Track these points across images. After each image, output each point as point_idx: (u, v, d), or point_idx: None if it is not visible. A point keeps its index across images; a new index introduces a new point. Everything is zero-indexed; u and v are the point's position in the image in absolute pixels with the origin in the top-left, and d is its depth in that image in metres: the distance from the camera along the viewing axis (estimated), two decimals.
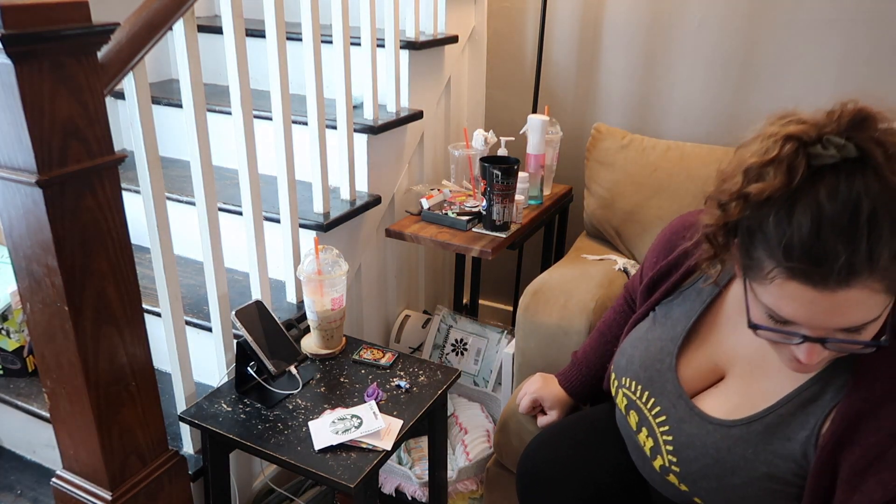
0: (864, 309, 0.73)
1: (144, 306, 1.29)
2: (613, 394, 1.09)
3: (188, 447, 1.50)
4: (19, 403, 1.57)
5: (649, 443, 0.99)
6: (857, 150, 0.73)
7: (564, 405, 1.34)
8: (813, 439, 0.84)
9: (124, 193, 1.17)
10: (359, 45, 1.79)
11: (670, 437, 0.95)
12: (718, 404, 0.93)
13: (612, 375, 1.09)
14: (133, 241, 1.20)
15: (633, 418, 1.02)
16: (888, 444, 0.78)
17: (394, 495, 1.75)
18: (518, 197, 1.82)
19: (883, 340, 0.76)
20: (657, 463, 0.99)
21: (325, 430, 1.27)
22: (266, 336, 1.39)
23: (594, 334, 1.35)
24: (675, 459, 0.94)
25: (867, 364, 0.81)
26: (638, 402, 1.00)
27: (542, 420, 1.36)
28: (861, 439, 0.79)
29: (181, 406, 1.45)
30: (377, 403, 1.35)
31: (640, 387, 1.01)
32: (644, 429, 1.00)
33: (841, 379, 0.83)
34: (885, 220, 0.70)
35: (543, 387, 1.36)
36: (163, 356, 1.47)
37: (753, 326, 0.81)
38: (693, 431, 0.93)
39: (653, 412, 0.98)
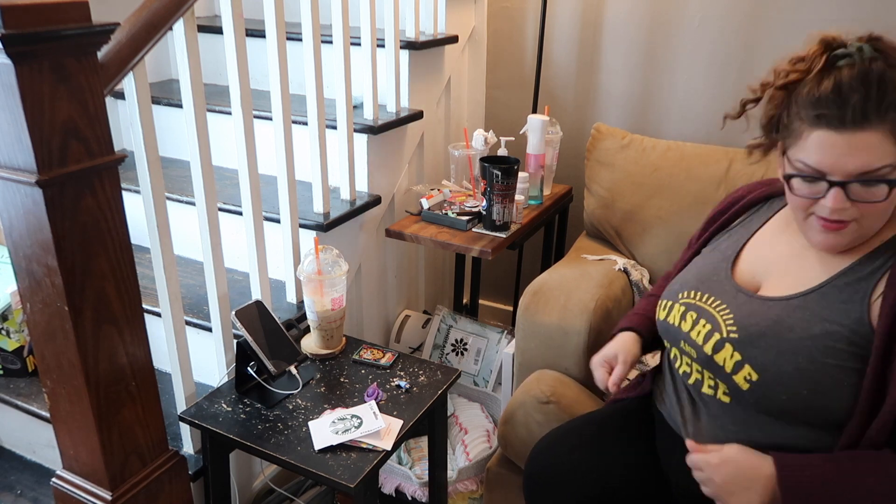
0: (878, 153, 0.88)
1: (144, 306, 1.29)
2: (664, 315, 1.14)
3: (188, 447, 1.50)
4: (19, 403, 1.57)
5: (706, 328, 1.05)
6: (872, 49, 0.92)
7: (631, 352, 1.26)
8: (866, 306, 0.94)
9: (124, 193, 1.17)
10: (359, 45, 1.79)
11: (731, 316, 1.04)
12: (776, 290, 1.04)
13: (664, 302, 1.16)
14: (133, 241, 1.20)
15: (689, 318, 1.09)
16: None
17: (394, 495, 1.75)
18: (518, 197, 1.82)
19: (893, 181, 0.89)
20: (711, 342, 1.04)
21: (325, 430, 1.27)
22: (266, 336, 1.39)
23: (644, 300, 1.38)
24: (734, 328, 1.02)
25: None
26: (699, 302, 1.09)
27: (612, 378, 1.24)
28: None
29: (181, 406, 1.45)
30: (377, 403, 1.35)
31: (699, 292, 1.11)
32: (702, 319, 1.07)
33: (881, 259, 0.96)
34: (893, 88, 0.88)
35: (614, 345, 1.29)
36: (163, 356, 1.47)
37: (788, 176, 0.97)
38: (754, 308, 1.03)
39: (713, 305, 1.08)
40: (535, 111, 2.24)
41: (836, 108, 0.90)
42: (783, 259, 1.07)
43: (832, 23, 1.89)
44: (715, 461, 0.97)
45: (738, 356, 1.00)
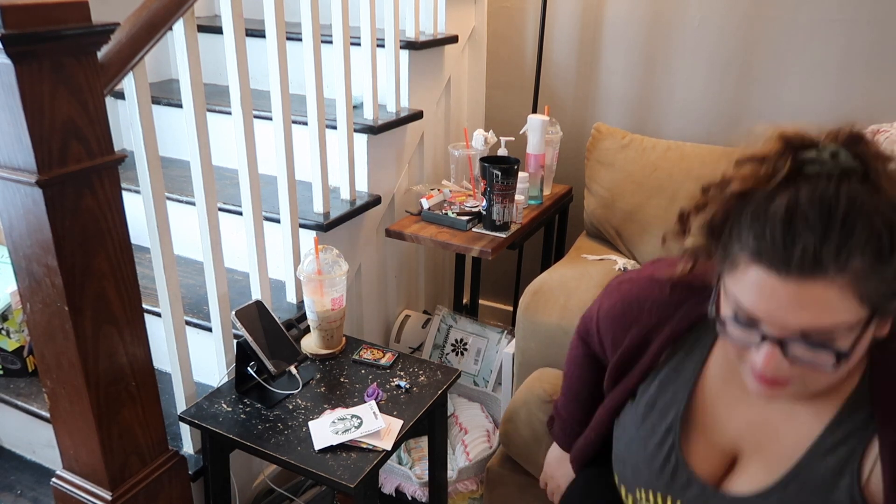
0: (829, 311, 0.67)
1: (144, 306, 1.29)
2: (630, 502, 0.99)
3: (188, 447, 1.50)
4: (19, 403, 1.57)
5: None
6: (853, 157, 0.69)
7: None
8: (856, 484, 0.77)
9: (124, 193, 1.17)
10: (359, 45, 1.79)
11: None
12: (748, 482, 0.85)
13: (622, 487, 0.99)
14: (133, 241, 1.20)
15: None
16: None
17: (394, 495, 1.75)
18: (518, 197, 1.82)
19: (843, 353, 0.69)
20: None
21: (325, 430, 1.27)
22: (266, 336, 1.39)
23: (570, 397, 1.19)
24: None
25: (886, 393, 0.76)
26: None
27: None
28: None
29: (181, 406, 1.45)
30: (377, 403, 1.35)
31: (659, 494, 0.91)
32: None
33: (859, 415, 0.78)
34: (864, 226, 0.66)
35: (561, 478, 1.24)
36: (163, 356, 1.47)
37: (719, 319, 0.77)
38: None
39: None
40: (535, 111, 2.24)
41: (781, 245, 0.67)
42: (752, 427, 0.86)
43: (832, 23, 1.90)
44: None
45: None
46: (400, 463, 1.80)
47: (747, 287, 0.71)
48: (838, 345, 0.69)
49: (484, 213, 1.79)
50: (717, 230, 0.76)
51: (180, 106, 1.37)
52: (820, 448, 0.79)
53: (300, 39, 1.60)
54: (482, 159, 1.79)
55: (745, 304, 0.72)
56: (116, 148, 1.13)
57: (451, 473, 1.72)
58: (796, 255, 0.67)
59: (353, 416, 1.30)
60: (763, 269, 0.69)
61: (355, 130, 1.81)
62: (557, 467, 1.26)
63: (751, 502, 0.83)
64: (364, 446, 1.24)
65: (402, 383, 1.42)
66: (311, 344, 1.54)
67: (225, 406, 1.37)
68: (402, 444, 1.85)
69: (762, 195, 0.71)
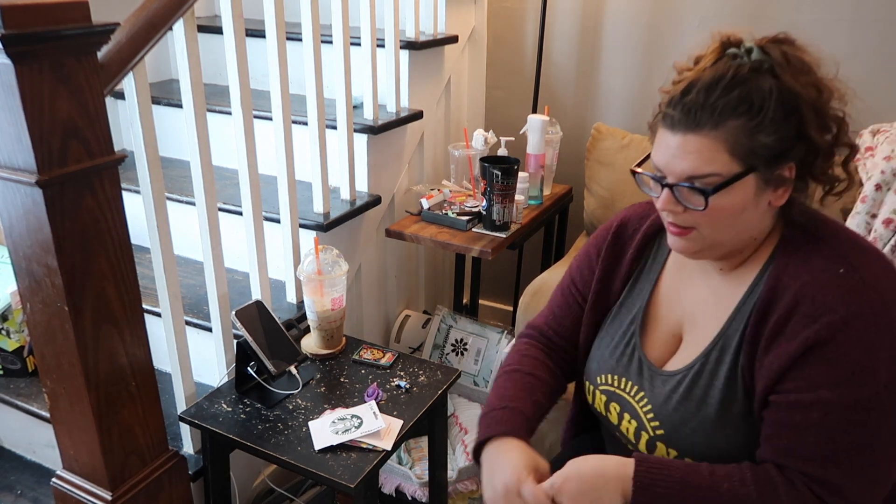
0: (702, 159, 0.84)
1: (144, 306, 1.29)
2: (591, 400, 1.08)
3: (188, 447, 1.50)
4: (19, 403, 1.57)
5: (633, 425, 1.00)
6: (760, 52, 0.84)
7: (529, 465, 0.99)
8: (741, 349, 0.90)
9: (124, 193, 1.17)
10: (359, 45, 1.79)
11: (649, 406, 0.97)
12: (683, 359, 0.97)
13: (587, 384, 1.08)
14: (133, 241, 1.20)
15: (613, 411, 1.03)
16: (786, 318, 0.85)
17: (394, 495, 1.75)
18: (518, 197, 1.82)
19: (706, 188, 0.84)
20: (643, 441, 0.98)
21: (325, 430, 1.27)
22: (266, 336, 1.39)
23: (508, 378, 1.12)
24: (657, 423, 0.96)
25: (779, 267, 0.89)
26: (618, 391, 1.02)
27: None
28: (768, 322, 0.87)
29: (181, 406, 1.45)
30: (377, 403, 1.35)
31: (615, 377, 1.03)
32: (626, 414, 1.01)
33: (754, 295, 0.91)
34: (741, 93, 0.82)
35: (506, 476, 0.96)
36: (163, 356, 1.47)
37: (632, 172, 0.95)
38: (664, 389, 0.96)
39: (631, 393, 1.01)
40: (535, 111, 2.24)
41: (675, 108, 0.85)
42: (692, 307, 0.99)
43: (832, 22, 1.90)
44: (558, 482, 0.89)
45: (674, 452, 0.95)
46: (400, 463, 1.80)
47: (656, 146, 0.90)
48: (706, 186, 0.85)
49: (484, 213, 1.79)
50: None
51: (180, 106, 1.37)
52: (736, 317, 0.92)
53: (300, 39, 1.60)
54: (482, 159, 1.79)
55: (653, 160, 0.91)
56: (116, 148, 1.13)
57: (451, 473, 1.72)
58: (682, 114, 0.85)
59: (353, 416, 1.30)
60: (663, 129, 0.88)
61: (355, 130, 1.81)
62: (491, 471, 0.99)
63: (679, 373, 0.95)
64: (364, 446, 1.24)
65: (402, 383, 1.42)
66: (311, 344, 1.54)
67: (225, 406, 1.37)
68: (402, 444, 1.85)
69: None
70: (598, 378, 1.05)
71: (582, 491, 0.88)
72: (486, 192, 1.75)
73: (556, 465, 1.14)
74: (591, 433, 1.23)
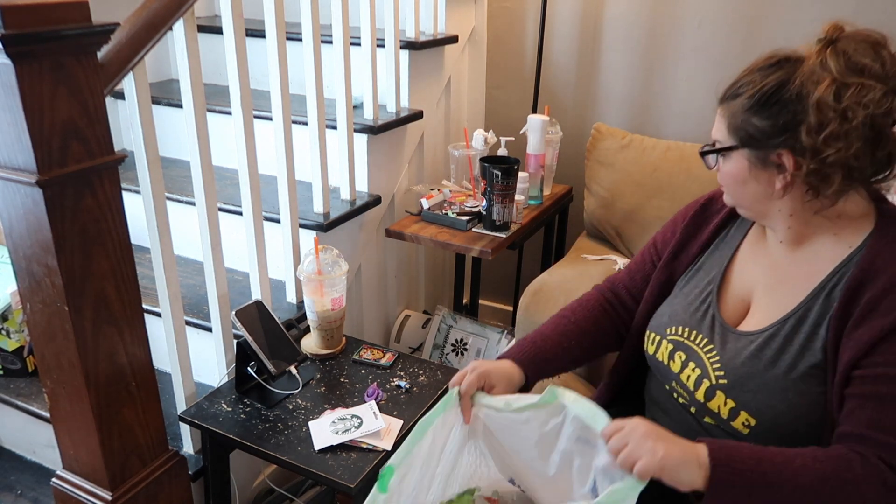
0: (715, 128, 0.99)
1: (144, 306, 1.29)
2: (653, 351, 1.12)
3: (188, 447, 1.50)
4: (19, 403, 1.57)
5: (696, 373, 1.03)
6: (820, 45, 0.93)
7: (513, 382, 1.11)
8: (827, 324, 0.93)
9: (124, 193, 1.17)
10: (359, 45, 1.79)
11: (717, 357, 1.02)
12: (755, 322, 1.02)
13: (652, 335, 1.13)
14: (133, 241, 1.20)
15: (678, 359, 1.07)
16: (880, 297, 0.88)
17: None
18: (518, 197, 1.83)
19: (704, 148, 1.01)
20: (702, 389, 1.01)
21: (326, 430, 1.27)
22: (266, 336, 1.39)
23: (555, 318, 1.23)
24: (722, 374, 1.00)
25: (873, 250, 0.92)
26: (686, 341, 1.07)
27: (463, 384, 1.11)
28: (860, 300, 0.90)
29: (181, 406, 1.45)
30: (377, 403, 1.35)
31: (687, 329, 1.08)
32: (691, 363, 1.05)
33: (853, 267, 0.94)
34: (754, 81, 0.94)
35: (489, 363, 1.11)
36: (163, 356, 1.47)
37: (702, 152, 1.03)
38: (736, 346, 1.01)
39: (700, 345, 1.05)
40: (535, 111, 2.24)
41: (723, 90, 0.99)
42: (765, 276, 1.04)
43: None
44: (629, 423, 0.89)
45: (731, 403, 0.98)
46: None
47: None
48: (708, 150, 1.00)
49: (484, 212, 1.79)
50: None
51: (180, 106, 1.37)
52: (820, 292, 0.95)
53: (300, 39, 1.60)
54: (482, 159, 1.79)
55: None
56: (116, 148, 1.13)
57: None
58: (721, 93, 0.99)
59: (353, 416, 1.30)
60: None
61: (355, 130, 1.81)
62: (490, 362, 1.10)
63: (754, 335, 1.00)
64: (364, 446, 1.24)
65: (402, 383, 1.42)
66: (311, 344, 1.54)
67: (225, 406, 1.37)
68: None
69: None
70: (668, 329, 1.10)
71: (656, 432, 0.87)
72: (486, 192, 1.75)
73: None
74: (623, 404, 1.26)
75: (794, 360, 0.94)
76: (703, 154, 1.02)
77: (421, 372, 1.47)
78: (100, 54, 1.09)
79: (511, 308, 2.59)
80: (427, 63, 2.05)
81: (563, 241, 2.29)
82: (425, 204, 1.89)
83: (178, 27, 1.27)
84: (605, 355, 1.28)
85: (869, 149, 0.87)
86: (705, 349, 1.04)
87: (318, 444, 1.24)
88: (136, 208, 1.33)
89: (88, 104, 1.06)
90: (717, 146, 0.98)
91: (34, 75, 0.98)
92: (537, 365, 1.14)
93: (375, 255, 2.01)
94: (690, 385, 1.04)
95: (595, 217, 2.00)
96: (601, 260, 1.85)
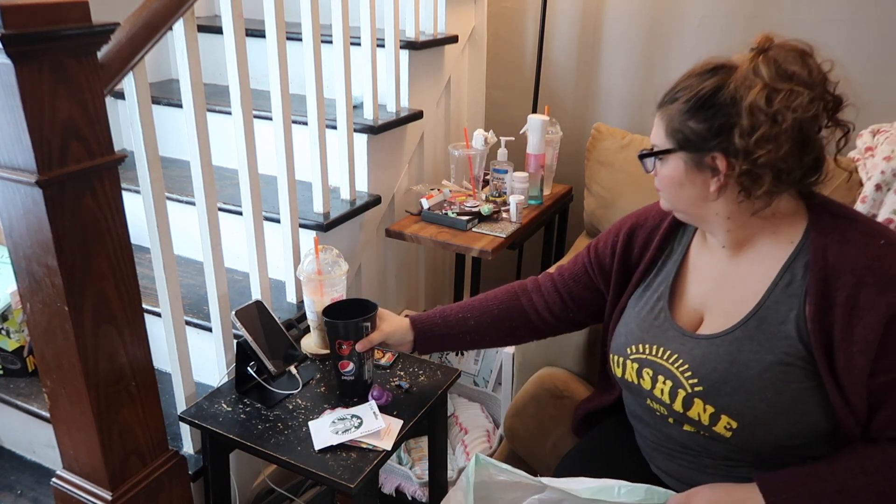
0: (653, 133, 1.02)
1: (144, 306, 1.29)
2: (620, 373, 1.13)
3: (188, 447, 1.50)
4: (19, 403, 1.57)
5: (667, 385, 1.04)
6: (752, 53, 0.93)
7: (405, 340, 1.33)
8: (802, 315, 0.94)
9: (124, 193, 1.17)
10: (359, 45, 1.79)
11: (686, 366, 1.02)
12: (714, 326, 1.03)
13: (616, 358, 1.13)
14: (133, 241, 1.20)
15: (647, 376, 1.07)
16: (855, 293, 0.90)
17: (394, 495, 1.75)
18: (518, 197, 1.82)
19: (642, 152, 1.04)
20: (679, 400, 1.02)
21: (326, 430, 1.27)
22: (266, 336, 1.39)
23: (476, 297, 1.35)
24: (696, 381, 1.01)
25: (818, 245, 0.94)
26: (650, 357, 1.07)
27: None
28: (835, 299, 0.91)
29: (181, 406, 1.45)
30: (379, 404, 1.34)
31: (647, 345, 1.08)
32: (660, 376, 1.05)
33: (802, 261, 0.96)
34: (690, 86, 0.96)
35: (389, 322, 1.35)
36: (163, 356, 1.47)
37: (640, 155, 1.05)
38: (703, 352, 1.02)
39: (664, 357, 1.06)
40: (535, 111, 2.24)
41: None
42: (714, 283, 1.06)
43: (832, 23, 1.90)
44: (695, 492, 0.99)
45: (711, 408, 0.99)
46: (400, 463, 1.80)
47: None
48: (668, 162, 1.00)
49: (352, 379, 1.35)
50: None
51: (180, 106, 1.37)
52: (773, 291, 0.97)
53: (300, 39, 1.60)
54: (329, 315, 1.33)
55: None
56: (116, 148, 1.13)
57: (451, 473, 1.72)
58: (659, 99, 1.01)
59: (353, 416, 1.30)
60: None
61: (355, 130, 1.81)
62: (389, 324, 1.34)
63: (717, 338, 1.01)
64: (364, 446, 1.24)
65: (403, 383, 1.42)
66: (311, 344, 1.54)
67: (225, 406, 1.37)
68: (402, 444, 1.85)
69: None
70: (629, 349, 1.11)
71: (715, 498, 0.97)
72: (352, 353, 1.32)
73: (574, 458, 1.23)
74: (611, 418, 1.30)
75: (764, 359, 0.96)
76: (642, 157, 1.04)
77: (421, 372, 1.47)
78: (100, 54, 1.09)
79: None
80: (427, 63, 2.05)
81: (563, 241, 2.29)
82: (425, 204, 1.89)
83: (178, 27, 1.27)
84: (509, 344, 1.38)
85: (797, 152, 0.90)
86: (670, 360, 1.05)
87: (318, 444, 1.24)
88: (136, 208, 1.33)
89: (88, 104, 1.06)
90: (655, 150, 1.01)
91: (34, 75, 0.98)
92: (430, 330, 1.31)
93: (375, 255, 2.01)
94: (665, 398, 1.05)
95: (595, 217, 2.00)
96: None
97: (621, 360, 1.12)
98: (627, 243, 1.19)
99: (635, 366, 1.09)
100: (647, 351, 1.08)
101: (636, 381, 1.09)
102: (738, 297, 1.01)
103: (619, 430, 1.25)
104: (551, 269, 1.35)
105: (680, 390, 1.02)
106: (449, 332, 1.30)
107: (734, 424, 0.97)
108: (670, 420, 1.07)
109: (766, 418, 0.95)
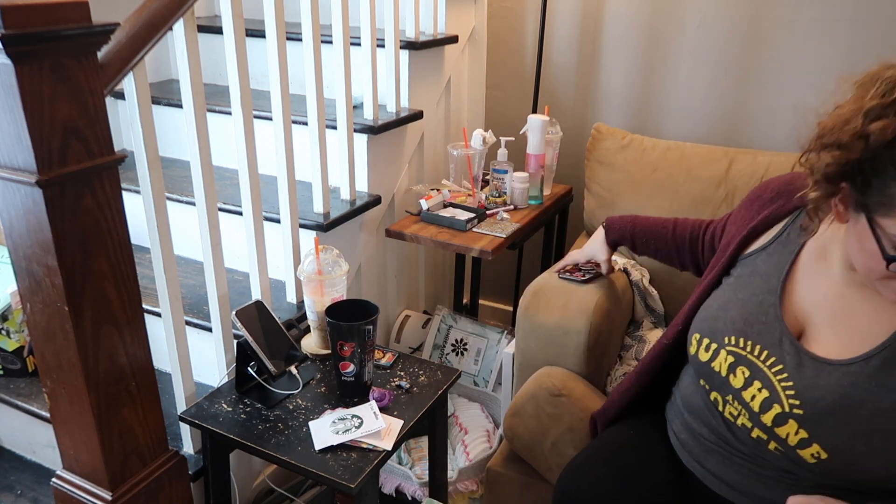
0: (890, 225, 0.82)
1: (144, 306, 1.29)
2: (707, 358, 1.05)
3: (188, 447, 1.50)
4: (19, 403, 1.57)
5: (762, 395, 0.97)
6: None
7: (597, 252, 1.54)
8: None
9: (124, 193, 1.17)
10: (359, 45, 1.79)
11: (791, 383, 0.95)
12: (828, 347, 0.95)
13: (706, 341, 1.06)
14: (133, 241, 1.20)
15: (741, 375, 1.01)
16: None
17: (394, 495, 1.75)
18: (518, 196, 1.82)
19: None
20: (771, 413, 0.96)
21: (326, 430, 1.27)
22: (266, 336, 1.39)
23: (660, 220, 1.45)
24: (797, 402, 0.94)
25: None
26: (749, 356, 1.00)
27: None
28: None
29: (181, 406, 1.45)
30: (379, 404, 1.34)
31: (749, 342, 1.01)
32: (756, 381, 0.99)
33: None
34: None
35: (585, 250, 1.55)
36: (163, 356, 1.47)
37: (890, 258, 0.84)
38: (813, 374, 0.94)
39: (767, 363, 0.98)
40: (535, 111, 2.24)
41: None
42: (828, 300, 0.97)
43: (832, 23, 1.90)
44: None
45: (804, 433, 0.93)
46: (400, 463, 1.80)
47: None
48: None
49: (353, 379, 1.37)
50: (850, 172, 0.86)
51: (180, 106, 1.37)
52: None
53: (300, 39, 1.60)
54: (332, 315, 1.36)
55: None
56: (116, 148, 1.13)
57: (451, 473, 1.72)
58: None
59: (353, 416, 1.30)
60: None
61: (355, 130, 1.81)
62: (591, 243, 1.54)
63: (834, 365, 0.93)
64: (364, 446, 1.24)
65: (403, 383, 1.42)
66: (311, 344, 1.54)
67: (225, 406, 1.37)
68: (402, 444, 1.85)
69: None
70: (726, 339, 1.03)
71: None
72: (354, 354, 1.33)
73: (590, 459, 1.20)
74: (623, 421, 1.27)
75: (880, 403, 0.89)
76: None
77: (421, 372, 1.47)
78: (100, 54, 1.09)
79: (511, 308, 2.59)
80: (427, 63, 2.05)
81: (563, 241, 2.29)
82: (424, 205, 1.89)
83: (178, 27, 1.27)
84: (672, 265, 1.45)
85: None
86: (773, 369, 0.98)
87: (319, 444, 1.24)
88: (136, 208, 1.33)
89: (88, 104, 1.06)
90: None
91: (34, 75, 0.98)
92: (625, 230, 1.46)
93: (375, 255, 2.01)
94: (755, 406, 0.98)
95: (595, 217, 1.99)
96: None
97: (714, 346, 1.04)
98: (773, 200, 1.10)
99: (730, 359, 1.02)
100: (748, 348, 1.01)
101: (723, 373, 1.02)
102: (857, 327, 0.93)
103: (645, 426, 1.22)
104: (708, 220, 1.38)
105: (776, 405, 0.95)
106: (633, 247, 1.47)
107: (824, 455, 0.92)
108: (754, 433, 1.00)
109: (864, 459, 0.89)
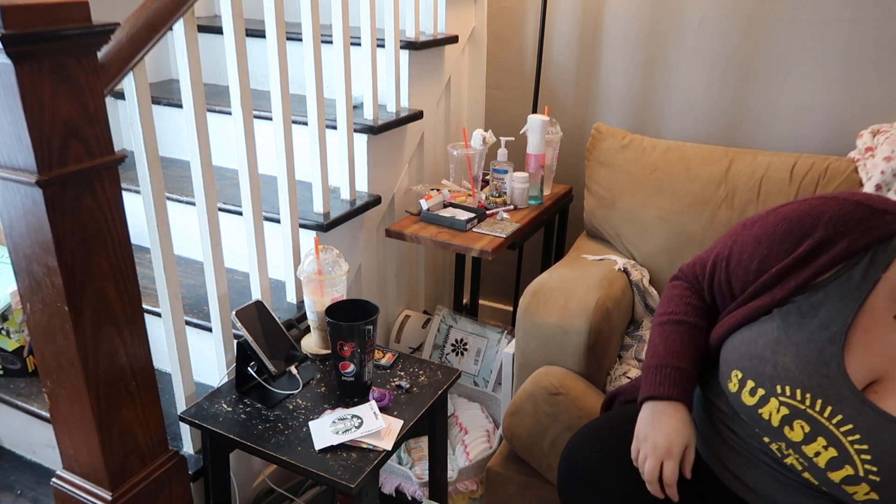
0: None
1: (144, 306, 1.29)
2: (753, 402, 0.96)
3: (188, 447, 1.50)
4: (19, 403, 1.57)
5: (829, 453, 0.90)
6: None
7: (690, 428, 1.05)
8: None
9: (124, 193, 1.17)
10: (359, 45, 1.79)
11: (866, 447, 0.87)
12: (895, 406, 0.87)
13: (751, 384, 0.96)
14: (133, 241, 1.21)
15: (799, 429, 0.92)
16: None
17: (394, 495, 1.75)
18: (518, 195, 1.82)
19: None
20: (841, 473, 0.89)
21: (326, 430, 1.27)
22: (266, 336, 1.39)
23: (673, 328, 1.10)
24: (874, 469, 0.86)
25: None
26: (809, 411, 0.91)
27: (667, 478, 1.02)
28: None
29: (181, 406, 1.45)
30: (379, 404, 1.34)
31: (808, 395, 0.91)
32: (821, 438, 0.90)
33: None
34: None
35: (667, 434, 1.02)
36: (163, 356, 1.47)
37: None
38: (891, 437, 0.86)
39: (833, 421, 0.89)
40: (535, 111, 2.24)
41: None
42: None
43: (832, 22, 1.90)
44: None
45: (874, 496, 0.86)
46: (400, 463, 1.80)
47: None
48: None
49: (353, 379, 1.37)
50: None
51: (180, 106, 1.37)
52: None
53: (300, 39, 1.60)
54: (332, 315, 1.37)
55: None
56: (116, 148, 1.13)
57: (451, 473, 1.72)
58: None
59: (353, 416, 1.30)
60: None
61: (355, 130, 1.81)
62: (652, 425, 1.03)
63: None
64: (364, 446, 1.24)
65: (403, 383, 1.42)
66: (311, 344, 1.54)
67: (225, 406, 1.37)
68: (402, 444, 1.85)
69: None
70: (778, 387, 0.93)
71: None
72: (354, 354, 1.34)
73: (602, 426, 1.15)
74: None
75: None
76: None
77: (421, 372, 1.47)
78: (100, 54, 1.09)
79: (511, 308, 2.59)
80: (427, 63, 2.05)
81: (563, 241, 2.29)
82: (424, 205, 1.89)
83: (178, 27, 1.27)
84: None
85: None
86: (842, 429, 0.89)
87: (319, 444, 1.24)
88: (136, 208, 1.33)
89: (88, 104, 1.06)
90: None
91: (34, 75, 0.98)
92: (690, 390, 1.05)
93: (375, 255, 2.01)
94: (821, 463, 0.90)
95: (595, 217, 2.00)
96: (601, 260, 1.85)
97: (761, 392, 0.94)
98: (859, 224, 0.91)
99: (784, 411, 0.92)
100: (808, 402, 0.90)
101: (776, 424, 0.93)
102: None
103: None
104: (689, 268, 1.15)
105: (847, 467, 0.88)
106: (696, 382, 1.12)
107: (875, 497, 0.87)
108: (815, 480, 0.92)
109: None
